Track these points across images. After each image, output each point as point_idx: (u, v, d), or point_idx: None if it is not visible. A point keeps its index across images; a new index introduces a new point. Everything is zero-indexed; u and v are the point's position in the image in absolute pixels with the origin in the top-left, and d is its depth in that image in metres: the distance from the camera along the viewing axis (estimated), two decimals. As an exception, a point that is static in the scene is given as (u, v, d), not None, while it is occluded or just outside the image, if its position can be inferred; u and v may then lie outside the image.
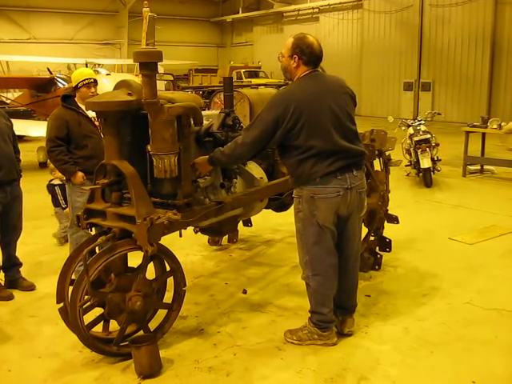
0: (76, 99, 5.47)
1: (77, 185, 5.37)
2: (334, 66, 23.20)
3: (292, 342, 4.32)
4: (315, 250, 4.15)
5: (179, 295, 4.35)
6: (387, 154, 5.94)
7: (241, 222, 6.29)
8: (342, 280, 4.35)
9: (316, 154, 3.97)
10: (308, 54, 4.05)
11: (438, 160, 10.45)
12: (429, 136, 10.26)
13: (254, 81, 24.75)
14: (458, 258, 6.23)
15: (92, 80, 5.46)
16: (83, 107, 5.26)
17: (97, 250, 4.09)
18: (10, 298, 5.29)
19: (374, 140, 5.69)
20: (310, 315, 4.36)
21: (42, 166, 12.59)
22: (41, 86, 16.18)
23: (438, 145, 10.48)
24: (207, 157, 4.28)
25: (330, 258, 4.20)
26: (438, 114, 12.25)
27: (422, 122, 10.84)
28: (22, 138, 11.63)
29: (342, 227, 4.24)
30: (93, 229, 4.35)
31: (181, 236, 4.36)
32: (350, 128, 4.14)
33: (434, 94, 23.16)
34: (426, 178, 10.06)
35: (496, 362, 4.04)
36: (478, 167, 11.33)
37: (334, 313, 4.40)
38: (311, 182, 4.02)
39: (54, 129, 5.37)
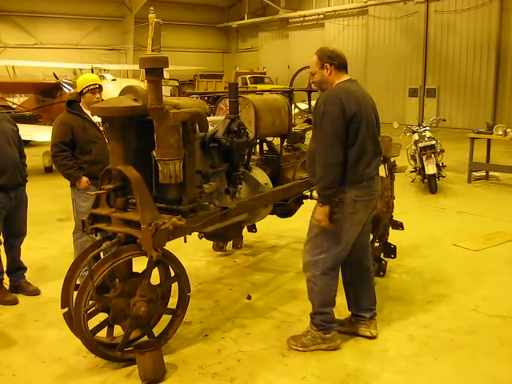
0: (81, 104, 5.49)
1: (81, 190, 5.39)
2: (339, 71, 23.21)
3: (296, 349, 4.30)
4: (335, 251, 4.18)
5: (183, 301, 4.35)
6: (392, 160, 5.94)
7: (245, 227, 6.29)
8: (364, 280, 4.52)
9: (367, 154, 4.08)
10: (336, 58, 4.17)
11: (443, 166, 10.44)
12: (434, 142, 10.25)
13: (260, 87, 24.75)
14: (462, 265, 6.21)
15: (97, 86, 5.48)
16: (88, 112, 5.29)
17: (101, 255, 4.10)
18: (15, 302, 5.30)
19: (379, 146, 5.68)
20: (311, 319, 4.35)
21: (48, 170, 12.65)
22: (47, 91, 16.22)
23: (442, 151, 10.47)
24: (319, 204, 4.08)
25: (341, 260, 4.28)
26: (443, 120, 12.25)
27: (427, 128, 10.84)
28: (27, 143, 11.67)
29: (362, 228, 4.35)
30: (98, 234, 4.36)
31: (185, 241, 4.36)
32: (379, 133, 4.36)
33: (439, 100, 23.18)
34: (430, 184, 10.05)
35: (501, 370, 4.02)
36: (483, 173, 11.31)
37: (359, 316, 4.50)
38: (359, 184, 4.09)
39: (58, 134, 5.40)
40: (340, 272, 4.42)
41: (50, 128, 5.75)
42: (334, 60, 4.15)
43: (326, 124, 3.99)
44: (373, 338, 4.48)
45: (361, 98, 4.12)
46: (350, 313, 4.65)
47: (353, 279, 4.53)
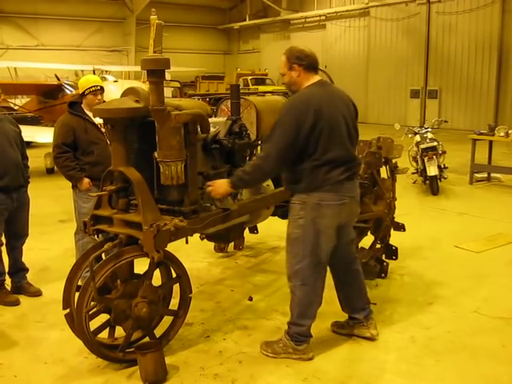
0: (83, 106, 5.49)
1: (83, 191, 5.39)
2: (340, 73, 23.28)
3: (267, 355, 4.26)
4: (310, 259, 4.08)
5: (185, 302, 4.35)
6: (394, 161, 5.94)
7: (247, 228, 6.29)
8: (350, 283, 4.44)
9: (331, 160, 3.96)
10: (305, 58, 4.05)
11: (445, 168, 10.43)
12: (435, 143, 10.25)
13: (261, 88, 24.80)
14: (464, 267, 6.21)
15: (99, 87, 5.48)
16: (90, 114, 5.30)
17: (103, 257, 4.10)
18: (17, 303, 5.31)
19: (381, 147, 5.68)
20: (287, 327, 4.29)
21: (50, 172, 12.66)
22: (48, 93, 16.24)
23: (444, 152, 10.46)
24: (226, 180, 4.19)
25: (322, 269, 4.17)
26: (445, 121, 12.22)
27: (429, 129, 10.82)
28: (29, 144, 11.68)
29: (340, 235, 4.21)
30: (99, 235, 4.37)
31: (187, 243, 4.37)
32: (355, 136, 4.22)
33: (440, 101, 23.15)
34: (432, 186, 10.04)
35: (502, 372, 4.02)
36: (485, 175, 11.30)
37: (354, 318, 4.48)
38: (321, 188, 3.99)
39: (60, 135, 5.40)
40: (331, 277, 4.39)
41: (52, 129, 5.76)
42: (303, 61, 4.04)
43: (276, 133, 3.94)
44: (373, 339, 4.46)
45: (326, 104, 3.97)
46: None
47: (341, 284, 4.48)
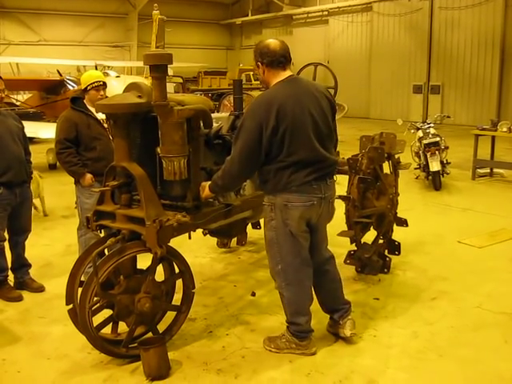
0: (85, 101, 5.49)
1: (86, 187, 5.39)
2: (343, 68, 23.20)
3: (270, 350, 4.25)
4: (289, 259, 4.06)
5: (188, 297, 4.36)
6: (396, 157, 5.93)
7: (250, 224, 6.29)
8: (322, 285, 4.36)
9: (296, 162, 3.86)
10: (266, 54, 3.92)
11: (448, 163, 10.42)
12: (438, 139, 10.23)
13: (263, 83, 24.73)
14: (467, 262, 6.20)
15: (101, 83, 5.47)
16: (92, 109, 5.30)
17: (106, 252, 4.11)
18: (20, 299, 5.31)
19: (384, 143, 5.68)
20: (287, 325, 4.28)
21: (52, 167, 12.66)
22: (51, 88, 16.25)
23: (447, 148, 10.44)
24: (208, 183, 4.17)
25: (304, 266, 4.13)
26: (448, 116, 12.20)
27: (432, 124, 10.79)
28: (31, 140, 11.64)
29: (311, 235, 4.16)
30: (102, 230, 4.37)
31: (190, 238, 4.37)
32: (327, 134, 4.05)
33: (443, 96, 23.14)
34: (435, 181, 10.03)
35: (505, 367, 4.02)
36: (488, 170, 11.29)
37: (332, 318, 4.42)
38: (287, 190, 3.92)
39: (62, 131, 5.40)
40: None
41: (54, 125, 5.76)
42: (264, 58, 3.90)
43: (240, 137, 3.89)
44: (347, 339, 4.36)
45: (291, 103, 3.82)
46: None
47: (315, 285, 4.37)
